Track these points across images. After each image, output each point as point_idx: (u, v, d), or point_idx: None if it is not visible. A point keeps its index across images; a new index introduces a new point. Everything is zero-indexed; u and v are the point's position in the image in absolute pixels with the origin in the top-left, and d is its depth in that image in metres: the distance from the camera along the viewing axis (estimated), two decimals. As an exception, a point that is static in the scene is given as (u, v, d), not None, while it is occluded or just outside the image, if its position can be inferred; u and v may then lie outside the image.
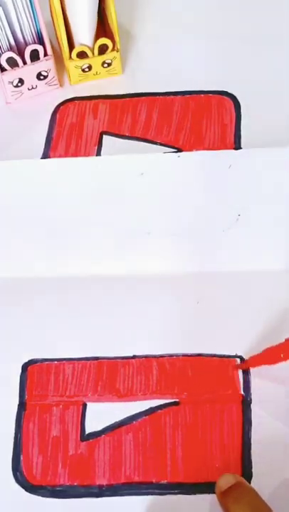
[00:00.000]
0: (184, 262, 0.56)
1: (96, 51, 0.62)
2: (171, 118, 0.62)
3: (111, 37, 0.62)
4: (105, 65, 0.63)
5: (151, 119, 0.62)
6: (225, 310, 0.55)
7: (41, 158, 0.61)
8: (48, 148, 0.61)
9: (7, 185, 0.60)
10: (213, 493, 0.48)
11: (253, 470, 0.49)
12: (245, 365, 0.52)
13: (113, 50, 0.63)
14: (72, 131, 0.62)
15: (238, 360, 0.53)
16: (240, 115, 0.62)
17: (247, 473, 0.49)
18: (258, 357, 0.51)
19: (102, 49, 0.62)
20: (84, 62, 0.62)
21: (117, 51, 0.62)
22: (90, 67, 0.63)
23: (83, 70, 0.63)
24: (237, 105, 0.62)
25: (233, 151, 0.59)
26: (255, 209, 0.58)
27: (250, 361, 0.52)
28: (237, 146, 0.60)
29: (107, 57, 0.63)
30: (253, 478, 0.49)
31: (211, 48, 0.66)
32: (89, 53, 0.62)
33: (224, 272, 0.56)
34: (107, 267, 0.56)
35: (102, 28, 0.63)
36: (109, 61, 0.63)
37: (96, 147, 0.61)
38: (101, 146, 0.61)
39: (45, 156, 0.61)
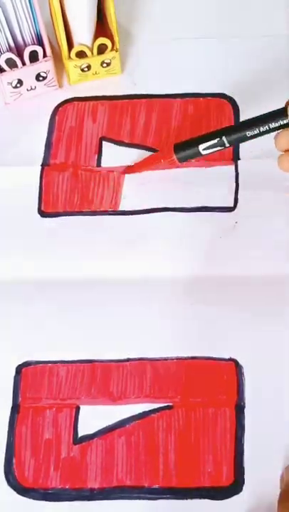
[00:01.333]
0: (179, 266, 0.56)
1: (95, 51, 0.62)
2: (170, 124, 0.62)
3: (110, 37, 0.62)
4: (104, 65, 0.63)
5: (150, 124, 0.62)
6: (219, 312, 0.54)
7: (41, 165, 0.61)
8: (48, 155, 0.61)
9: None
10: (205, 498, 0.48)
11: (246, 476, 0.49)
12: (131, 169, 0.59)
13: (112, 50, 0.62)
14: (71, 135, 0.62)
15: (233, 363, 0.53)
16: (239, 121, 0.61)
17: (239, 478, 0.49)
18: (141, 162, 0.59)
19: (101, 49, 0.62)
20: (83, 62, 0.62)
21: (116, 51, 0.62)
22: (89, 67, 0.63)
23: (82, 70, 0.63)
24: (236, 109, 0.62)
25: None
26: (253, 217, 0.58)
27: (135, 167, 0.59)
28: (235, 156, 0.60)
29: (106, 56, 0.62)
30: (245, 483, 0.49)
31: (211, 49, 0.66)
32: (88, 53, 0.62)
33: (219, 275, 0.56)
34: (102, 270, 0.56)
35: (102, 28, 0.63)
36: (108, 61, 0.63)
37: (96, 156, 0.61)
38: (101, 154, 0.61)
39: (46, 163, 0.61)
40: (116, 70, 0.64)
